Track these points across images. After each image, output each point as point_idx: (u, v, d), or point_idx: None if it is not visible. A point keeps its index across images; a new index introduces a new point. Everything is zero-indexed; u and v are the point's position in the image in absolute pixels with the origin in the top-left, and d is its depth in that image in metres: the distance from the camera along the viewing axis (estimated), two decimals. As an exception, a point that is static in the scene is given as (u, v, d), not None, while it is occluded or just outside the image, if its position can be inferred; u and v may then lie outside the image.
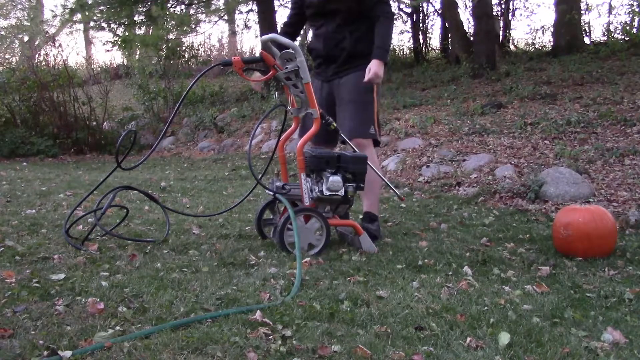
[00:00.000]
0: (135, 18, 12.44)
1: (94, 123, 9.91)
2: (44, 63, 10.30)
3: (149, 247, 2.79)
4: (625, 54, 9.25)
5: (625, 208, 3.89)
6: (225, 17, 15.07)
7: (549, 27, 13.36)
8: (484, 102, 7.63)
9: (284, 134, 3.13)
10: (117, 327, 1.76)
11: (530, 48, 13.62)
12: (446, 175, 5.31)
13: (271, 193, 2.94)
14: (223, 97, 12.24)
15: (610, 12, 13.97)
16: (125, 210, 3.21)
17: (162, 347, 1.63)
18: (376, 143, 3.30)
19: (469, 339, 1.78)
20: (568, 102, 6.88)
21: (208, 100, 12.15)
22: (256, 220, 3.09)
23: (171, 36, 12.49)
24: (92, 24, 13.66)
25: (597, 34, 15.06)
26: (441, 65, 12.52)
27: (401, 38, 30.28)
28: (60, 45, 11.92)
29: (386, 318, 1.93)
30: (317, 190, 2.86)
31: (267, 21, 12.03)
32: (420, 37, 15.02)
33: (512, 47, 13.78)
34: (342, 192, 2.83)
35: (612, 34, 11.84)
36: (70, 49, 28.84)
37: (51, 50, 11.24)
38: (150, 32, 12.43)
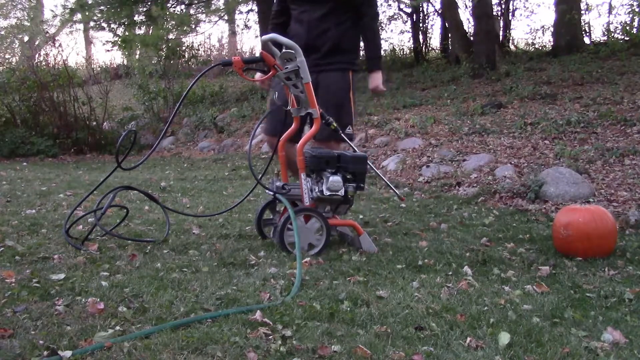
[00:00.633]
0: (135, 18, 12.45)
1: (94, 123, 9.91)
2: (44, 63, 10.29)
3: (149, 247, 2.79)
4: (625, 54, 9.25)
5: (625, 208, 3.89)
6: (225, 17, 15.08)
7: (549, 27, 13.37)
8: (484, 102, 7.63)
9: (284, 134, 3.12)
10: (117, 327, 1.76)
11: (530, 48, 13.62)
12: (446, 175, 5.31)
13: (271, 193, 2.94)
14: (223, 97, 12.24)
15: (610, 12, 13.98)
16: (125, 210, 3.21)
17: (162, 347, 1.63)
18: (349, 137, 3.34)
19: (469, 339, 1.78)
20: (568, 102, 6.88)
21: (208, 100, 12.15)
22: (256, 220, 3.09)
23: (171, 36, 12.50)
24: (92, 24, 13.67)
25: (597, 34, 15.08)
26: (441, 65, 12.52)
27: (401, 38, 30.35)
28: (60, 45, 11.94)
29: (386, 318, 1.93)
30: (317, 190, 2.86)
31: (267, 21, 12.01)
32: (420, 37, 15.03)
33: (512, 47, 13.78)
34: (342, 192, 2.83)
35: (612, 34, 11.84)
36: (70, 49, 28.82)
37: (51, 50, 11.26)
38: (150, 32, 12.43)
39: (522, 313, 2.03)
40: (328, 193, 2.81)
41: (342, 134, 3.19)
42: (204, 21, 14.42)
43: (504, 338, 1.77)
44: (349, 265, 2.57)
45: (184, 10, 13.04)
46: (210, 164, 7.59)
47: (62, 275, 2.24)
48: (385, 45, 16.22)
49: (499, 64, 10.37)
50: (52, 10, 33.31)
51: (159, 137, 3.03)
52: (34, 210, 3.75)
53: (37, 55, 11.91)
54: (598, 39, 12.06)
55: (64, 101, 9.56)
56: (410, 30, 15.36)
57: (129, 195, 4.50)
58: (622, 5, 17.76)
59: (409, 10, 15.30)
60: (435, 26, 17.57)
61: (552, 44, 11.84)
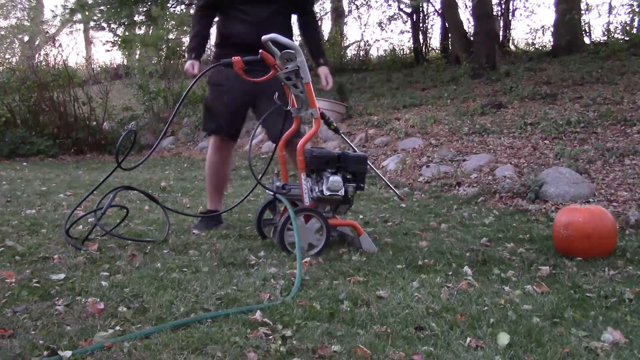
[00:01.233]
0: (135, 18, 12.45)
1: (94, 123, 9.90)
2: (44, 63, 10.29)
3: (149, 247, 2.79)
4: (625, 54, 9.25)
5: (625, 208, 3.89)
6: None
7: (549, 27, 13.38)
8: (484, 102, 7.63)
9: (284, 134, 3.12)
10: (117, 327, 1.76)
11: (530, 48, 13.63)
12: (446, 175, 5.31)
13: (271, 193, 2.94)
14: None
15: (610, 12, 13.98)
16: (125, 210, 3.21)
17: (162, 347, 1.63)
18: None
19: (469, 339, 1.78)
20: (568, 102, 6.88)
21: (208, 100, 12.13)
22: (256, 220, 3.09)
23: (171, 36, 12.50)
24: (92, 24, 13.69)
25: (597, 34, 15.08)
26: (441, 65, 12.52)
27: (401, 38, 30.35)
28: (60, 45, 11.95)
29: (386, 318, 1.93)
30: (317, 190, 2.86)
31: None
32: (420, 37, 15.04)
33: (512, 47, 13.78)
34: (342, 192, 2.83)
35: (612, 34, 11.84)
36: (70, 49, 28.88)
37: (51, 50, 11.25)
38: (150, 32, 12.43)
39: (522, 313, 2.03)
40: (328, 193, 2.81)
41: (341, 135, 3.20)
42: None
43: (504, 338, 1.77)
44: (349, 265, 2.57)
45: (184, 10, 13.04)
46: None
47: (62, 275, 2.24)
48: (385, 45, 16.21)
49: (499, 64, 10.37)
50: (52, 10, 33.38)
51: (159, 137, 3.05)
52: (34, 210, 3.75)
53: (37, 55, 11.92)
54: (598, 39, 12.07)
55: (64, 101, 9.56)
56: (410, 30, 15.37)
57: (129, 195, 4.50)
58: (622, 5, 17.76)
59: (409, 10, 15.32)
60: (435, 26, 17.60)
61: (552, 44, 11.84)
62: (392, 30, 27.81)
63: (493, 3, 11.78)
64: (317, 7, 20.74)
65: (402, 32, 19.33)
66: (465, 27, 12.74)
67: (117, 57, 22.24)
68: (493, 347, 1.73)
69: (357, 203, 4.20)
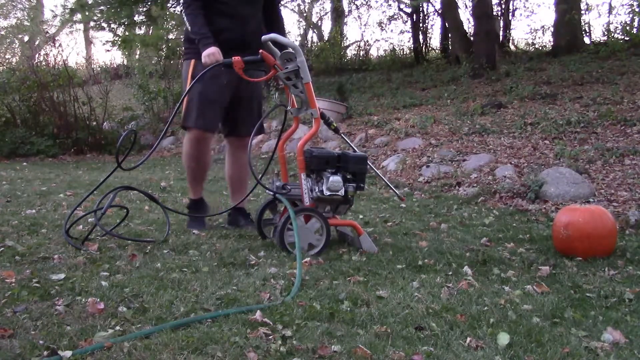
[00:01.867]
0: (135, 18, 12.45)
1: (94, 123, 9.90)
2: (44, 63, 10.28)
3: (149, 247, 2.79)
4: (625, 54, 9.25)
5: (625, 208, 3.89)
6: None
7: (549, 27, 13.38)
8: (484, 102, 7.63)
9: (284, 134, 3.13)
10: (117, 327, 1.76)
11: (530, 48, 13.62)
12: (446, 175, 5.31)
13: (271, 193, 2.94)
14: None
15: (610, 12, 13.97)
16: (125, 210, 3.21)
17: (162, 347, 1.63)
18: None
19: (469, 339, 1.78)
20: (568, 102, 6.88)
21: (208, 100, 12.12)
22: (256, 220, 3.09)
23: (171, 36, 12.49)
24: (92, 24, 13.68)
25: (597, 34, 15.07)
26: (441, 65, 12.52)
27: (401, 38, 30.34)
28: (60, 45, 11.93)
29: (386, 318, 1.93)
30: (317, 190, 2.86)
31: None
32: (420, 37, 15.03)
33: (512, 47, 13.77)
34: (342, 192, 2.83)
35: (612, 34, 11.84)
36: (70, 49, 28.86)
37: (51, 50, 11.19)
38: (150, 32, 12.43)
39: (522, 313, 2.03)
40: (328, 193, 2.81)
41: (341, 135, 3.20)
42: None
43: (504, 338, 1.77)
44: (349, 265, 2.57)
45: (184, 10, 13.03)
46: (211, 164, 7.58)
47: (62, 275, 2.24)
48: (385, 45, 16.20)
49: (499, 64, 10.37)
50: (52, 10, 33.38)
51: (159, 137, 3.04)
52: (34, 210, 3.75)
53: (37, 55, 11.91)
54: (598, 39, 12.07)
55: (64, 101, 9.56)
56: (410, 30, 15.36)
57: (129, 195, 4.50)
58: (622, 5, 17.74)
59: (409, 10, 15.31)
60: (435, 26, 17.58)
61: (552, 44, 11.84)
62: (392, 30, 27.80)
63: (493, 3, 11.78)
64: (317, 7, 20.77)
65: (402, 32, 19.33)
66: (465, 27, 12.75)
67: (117, 57, 22.26)
68: (493, 347, 1.73)
69: (357, 203, 4.20)
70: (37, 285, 2.12)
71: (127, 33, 12.43)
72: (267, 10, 3.33)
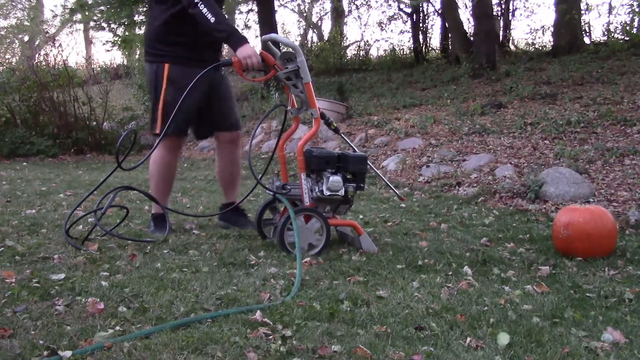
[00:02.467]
0: (135, 18, 12.44)
1: (94, 123, 9.91)
2: (44, 63, 10.29)
3: (149, 247, 2.79)
4: (625, 54, 9.25)
5: (625, 208, 3.89)
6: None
7: (549, 27, 13.37)
8: (484, 102, 7.63)
9: (284, 134, 3.13)
10: (117, 327, 1.76)
11: (530, 48, 13.62)
12: (446, 175, 5.31)
13: (271, 193, 2.94)
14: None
15: (610, 12, 13.95)
16: (125, 210, 3.21)
17: (162, 347, 1.63)
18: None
19: (469, 339, 1.78)
20: (568, 102, 6.88)
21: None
22: (256, 220, 3.09)
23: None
24: (92, 24, 13.67)
25: (597, 34, 15.06)
26: (441, 65, 12.52)
27: (401, 38, 30.36)
28: (60, 45, 11.93)
29: (386, 318, 1.93)
30: (317, 190, 2.86)
31: (267, 21, 12.04)
32: (420, 37, 15.03)
33: (512, 47, 13.78)
34: (342, 192, 2.83)
35: (612, 34, 11.84)
36: (70, 49, 28.84)
37: (51, 50, 11.21)
38: (150, 32, 12.39)
39: (522, 313, 2.03)
40: (328, 193, 2.81)
41: (341, 135, 3.20)
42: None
43: (504, 338, 1.77)
44: (349, 265, 2.57)
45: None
46: (210, 164, 7.58)
47: (62, 275, 2.24)
48: (385, 45, 16.18)
49: (499, 64, 10.37)
50: (52, 10, 33.33)
51: (158, 137, 3.04)
52: (34, 210, 3.75)
53: (37, 55, 11.92)
54: (598, 39, 12.06)
55: (64, 101, 9.56)
56: (410, 30, 15.37)
57: (129, 195, 4.50)
58: (622, 5, 17.76)
59: (409, 10, 15.32)
60: (435, 26, 17.57)
61: (552, 44, 11.84)
62: (392, 30, 27.81)
63: (493, 3, 11.78)
64: (317, 7, 20.78)
65: (402, 32, 19.32)
66: (465, 27, 12.74)
67: (117, 57, 22.25)
68: (493, 347, 1.73)
69: (357, 203, 4.20)
70: (37, 285, 2.12)
71: (127, 33, 12.43)
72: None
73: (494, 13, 12.25)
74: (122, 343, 1.63)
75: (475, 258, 2.78)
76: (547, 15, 36.46)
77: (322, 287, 2.24)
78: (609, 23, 14.99)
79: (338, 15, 18.14)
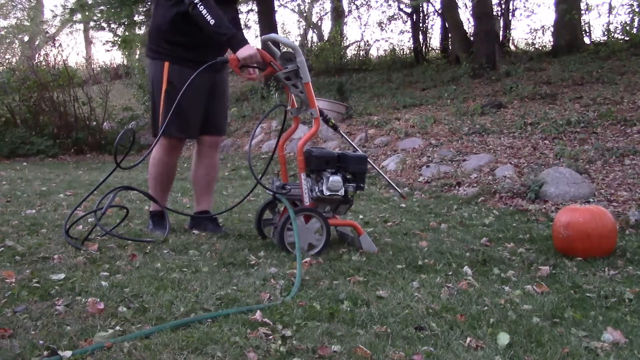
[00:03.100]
0: (135, 18, 12.44)
1: (94, 123, 9.91)
2: (44, 63, 10.29)
3: (149, 247, 2.79)
4: (625, 54, 9.25)
5: (625, 208, 3.89)
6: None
7: (549, 27, 13.38)
8: (484, 102, 7.63)
9: (284, 134, 3.13)
10: (117, 327, 1.76)
11: (530, 48, 13.62)
12: (446, 175, 5.31)
13: (271, 193, 2.94)
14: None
15: (610, 12, 13.95)
16: (125, 210, 3.21)
17: (162, 347, 1.63)
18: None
19: (469, 339, 1.78)
20: (568, 102, 6.88)
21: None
22: (256, 220, 3.09)
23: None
24: (92, 24, 13.69)
25: (597, 34, 15.07)
26: (441, 65, 12.52)
27: (401, 38, 30.33)
28: (60, 45, 11.92)
29: (386, 318, 1.93)
30: (317, 190, 2.86)
31: (267, 21, 12.03)
32: (420, 37, 15.02)
33: (512, 47, 13.77)
34: (342, 192, 2.83)
35: (612, 34, 11.84)
36: (70, 49, 28.84)
37: (51, 50, 11.21)
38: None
39: (522, 313, 2.03)
40: (328, 193, 2.81)
41: (340, 132, 3.20)
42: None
43: (504, 338, 1.77)
44: (349, 265, 2.57)
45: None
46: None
47: (62, 275, 2.24)
48: (385, 45, 16.17)
49: (499, 64, 10.37)
50: (52, 10, 33.34)
51: (157, 137, 3.03)
52: (34, 210, 3.75)
53: (37, 55, 11.92)
54: (598, 39, 12.06)
55: (64, 101, 9.57)
56: (410, 30, 15.36)
57: (129, 195, 4.50)
58: (622, 5, 17.75)
59: (409, 10, 15.32)
60: (435, 26, 17.59)
61: (552, 44, 11.84)
62: (392, 30, 27.78)
63: (493, 3, 11.78)
64: (317, 7, 20.77)
65: (402, 32, 19.31)
66: (465, 27, 12.74)
67: (117, 57, 22.23)
68: (493, 347, 1.73)
69: (357, 203, 4.20)
70: (37, 285, 2.12)
71: (127, 33, 12.44)
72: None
73: (494, 13, 12.25)
74: (122, 343, 1.63)
75: (475, 258, 2.78)
76: (547, 15, 36.49)
77: (322, 287, 2.24)
78: (609, 23, 14.99)
79: (338, 15, 18.14)
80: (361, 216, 3.88)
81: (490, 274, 2.53)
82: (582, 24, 11.73)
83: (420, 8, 14.47)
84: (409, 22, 15.54)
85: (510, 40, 14.02)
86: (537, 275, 2.52)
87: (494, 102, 7.47)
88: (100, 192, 3.80)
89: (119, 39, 12.70)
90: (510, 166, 5.09)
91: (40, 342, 1.62)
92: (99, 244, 2.79)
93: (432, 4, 14.65)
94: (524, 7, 21.12)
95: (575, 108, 6.51)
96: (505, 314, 2.00)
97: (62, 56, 15.27)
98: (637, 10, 11.36)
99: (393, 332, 1.82)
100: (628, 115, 5.84)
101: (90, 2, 11.90)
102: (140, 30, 13.27)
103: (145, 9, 12.13)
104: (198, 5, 2.79)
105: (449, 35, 13.30)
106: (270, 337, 1.73)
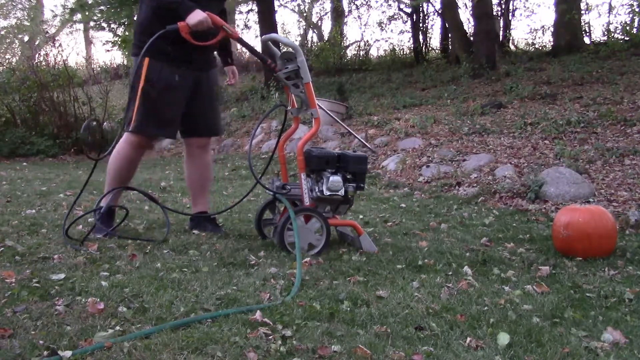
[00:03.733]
0: (135, 18, 12.44)
1: (94, 123, 9.89)
2: (44, 63, 10.29)
3: (149, 247, 2.79)
4: (625, 54, 9.26)
5: (625, 208, 3.89)
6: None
7: (549, 27, 13.39)
8: (484, 102, 7.63)
9: (284, 134, 3.13)
10: (117, 327, 1.76)
11: (530, 48, 13.63)
12: (446, 175, 5.31)
13: (271, 193, 2.94)
14: (223, 97, 12.23)
15: (610, 12, 13.95)
16: (125, 211, 3.21)
17: (162, 347, 1.63)
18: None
19: (469, 339, 1.78)
20: (568, 102, 6.88)
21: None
22: (256, 220, 3.09)
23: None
24: (92, 24, 13.69)
25: (597, 34, 15.07)
26: (441, 65, 12.53)
27: (401, 38, 30.35)
28: (60, 45, 11.93)
29: (386, 318, 1.93)
30: (317, 190, 2.86)
31: (267, 21, 12.04)
32: (420, 37, 15.03)
33: (512, 47, 13.78)
34: (342, 192, 2.83)
35: (612, 34, 11.84)
36: (70, 49, 28.82)
37: (51, 50, 11.21)
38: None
39: (522, 313, 2.03)
40: (328, 193, 2.81)
41: (340, 123, 3.19)
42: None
43: (504, 338, 1.77)
44: (349, 265, 2.57)
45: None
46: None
47: (62, 275, 2.24)
48: (385, 45, 16.16)
49: (499, 64, 10.38)
50: (52, 10, 33.36)
51: (123, 132, 2.97)
52: (34, 210, 3.75)
53: (37, 55, 11.91)
54: (598, 39, 12.07)
55: (64, 101, 9.56)
56: (410, 30, 15.37)
57: (129, 195, 4.50)
58: (622, 5, 17.75)
59: (409, 10, 15.32)
60: (435, 26, 17.59)
61: (552, 44, 11.85)
62: (392, 30, 27.77)
63: (493, 3, 11.78)
64: (317, 7, 20.77)
65: (402, 32, 19.31)
66: (465, 27, 12.74)
67: (117, 57, 22.21)
68: (493, 347, 1.73)
69: (357, 203, 4.20)
70: (37, 285, 2.12)
71: (127, 33, 12.43)
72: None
73: (494, 13, 12.26)
74: (122, 343, 1.63)
75: (475, 258, 2.78)
76: (547, 15, 36.50)
77: (322, 287, 2.24)
78: (609, 23, 15.00)
79: (338, 15, 18.14)
80: (361, 216, 3.88)
81: (490, 274, 2.53)
82: (582, 24, 11.74)
83: (420, 8, 14.48)
84: (409, 22, 15.56)
85: (510, 40, 14.04)
86: (537, 275, 2.52)
87: (494, 102, 7.48)
88: (99, 192, 3.80)
89: (119, 39, 12.69)
90: (510, 166, 5.09)
91: (40, 342, 1.62)
92: (99, 244, 2.79)
93: (432, 4, 14.67)
94: (524, 7, 21.17)
95: (575, 108, 6.51)
96: (505, 314, 2.00)
97: (62, 56, 15.25)
98: (637, 10, 11.36)
99: (393, 332, 1.82)
100: (628, 115, 5.84)
101: (90, 2, 11.90)
102: (140, 30, 13.26)
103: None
104: None
105: (449, 35, 13.31)
106: (270, 337, 1.73)
